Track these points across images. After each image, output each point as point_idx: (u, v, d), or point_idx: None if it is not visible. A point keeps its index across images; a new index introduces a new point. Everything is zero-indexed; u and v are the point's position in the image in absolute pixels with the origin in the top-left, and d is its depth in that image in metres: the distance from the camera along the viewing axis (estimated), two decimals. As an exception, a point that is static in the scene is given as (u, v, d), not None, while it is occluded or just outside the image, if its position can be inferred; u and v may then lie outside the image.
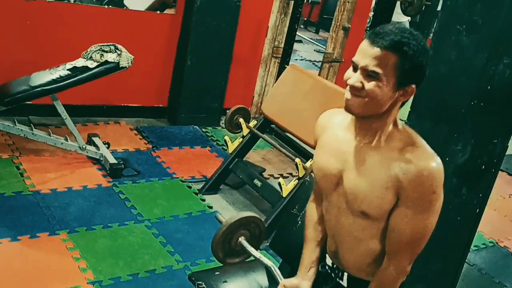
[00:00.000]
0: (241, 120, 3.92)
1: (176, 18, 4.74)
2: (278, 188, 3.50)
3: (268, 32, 4.97)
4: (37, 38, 4.19)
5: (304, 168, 3.43)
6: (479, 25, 2.30)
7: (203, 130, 4.94)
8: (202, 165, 4.28)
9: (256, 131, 3.87)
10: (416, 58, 1.53)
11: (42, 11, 4.15)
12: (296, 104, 3.74)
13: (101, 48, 3.74)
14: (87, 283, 2.81)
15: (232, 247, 1.98)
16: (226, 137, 3.91)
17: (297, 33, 5.07)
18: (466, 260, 3.12)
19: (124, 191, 3.70)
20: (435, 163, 1.58)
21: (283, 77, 4.02)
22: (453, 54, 2.38)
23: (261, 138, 3.92)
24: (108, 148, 4.03)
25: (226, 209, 3.76)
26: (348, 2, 5.15)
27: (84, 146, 3.87)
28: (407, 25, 6.40)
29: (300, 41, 8.21)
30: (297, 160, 3.48)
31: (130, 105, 4.81)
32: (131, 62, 3.81)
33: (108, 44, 3.77)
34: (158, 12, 4.73)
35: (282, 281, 1.91)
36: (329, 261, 1.89)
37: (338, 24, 5.21)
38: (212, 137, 4.84)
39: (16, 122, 3.74)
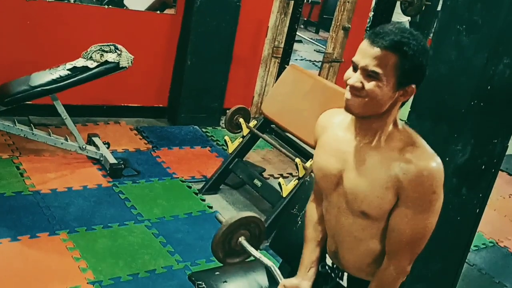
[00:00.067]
0: (241, 120, 3.92)
1: (176, 18, 4.74)
2: (278, 188, 3.50)
3: (268, 32, 4.98)
4: (37, 38, 4.19)
5: (304, 168, 3.43)
6: (479, 25, 2.30)
7: (203, 130, 4.94)
8: (202, 165, 4.28)
9: (256, 131, 3.87)
10: (416, 58, 1.53)
11: (42, 11, 4.15)
12: (296, 104, 3.74)
13: (101, 48, 3.74)
14: (87, 283, 2.81)
15: (232, 247, 1.98)
16: (226, 137, 3.91)
17: (297, 33, 5.07)
18: (466, 260, 3.12)
19: (124, 191, 3.70)
20: (435, 163, 1.58)
21: (283, 77, 4.02)
22: (453, 54, 2.38)
23: (261, 138, 3.92)
24: (108, 148, 4.03)
25: (226, 209, 3.76)
26: (348, 2, 5.15)
27: (84, 146, 3.87)
28: (407, 25, 6.40)
29: (300, 41, 8.21)
30: (297, 160, 3.48)
31: (130, 105, 4.81)
32: (131, 62, 3.81)
33: (108, 44, 3.77)
34: (158, 12, 4.73)
35: (282, 281, 1.91)
36: (329, 261, 1.89)
37: (338, 24, 5.21)
38: (212, 137, 4.84)
39: (16, 122, 3.74)
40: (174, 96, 4.92)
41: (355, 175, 1.66)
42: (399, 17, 5.52)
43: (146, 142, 4.46)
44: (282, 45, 4.95)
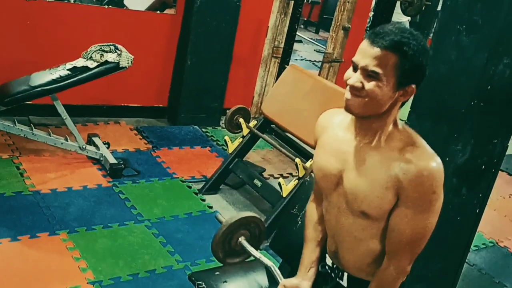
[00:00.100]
0: (241, 120, 3.92)
1: (176, 18, 4.74)
2: (278, 188, 3.50)
3: (268, 32, 4.97)
4: (37, 38, 4.19)
5: (304, 168, 3.43)
6: (479, 25, 2.30)
7: (203, 130, 4.94)
8: (202, 165, 4.28)
9: (256, 131, 3.87)
10: (416, 58, 1.53)
11: (42, 11, 4.15)
12: (296, 104, 3.74)
13: (101, 48, 3.74)
14: (87, 283, 2.81)
15: (232, 247, 1.98)
16: (226, 137, 3.91)
17: (297, 33, 5.07)
18: (466, 260, 3.12)
19: (124, 191, 3.70)
20: (435, 163, 1.58)
21: (283, 77, 4.02)
22: (453, 54, 2.38)
23: (261, 138, 3.92)
24: (108, 148, 4.03)
25: (226, 209, 3.76)
26: (348, 2, 5.15)
27: (84, 146, 3.87)
28: (407, 25, 6.40)
29: (300, 41, 8.21)
30: (297, 160, 3.48)
31: (130, 105, 4.81)
32: (131, 62, 3.81)
33: (108, 44, 3.77)
34: (158, 12, 4.73)
35: (282, 281, 1.91)
36: (329, 261, 1.89)
37: (338, 24, 5.21)
38: (212, 137, 4.84)
39: (16, 122, 3.74)
40: (174, 96, 4.91)
41: (355, 175, 1.66)
42: (399, 17, 5.51)
43: (146, 142, 4.46)
44: (282, 45, 4.95)
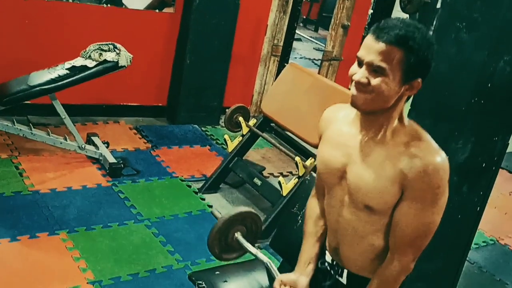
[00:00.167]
0: (240, 118, 3.92)
1: (175, 16, 4.73)
2: (278, 187, 3.49)
3: (267, 31, 4.97)
4: (36, 37, 4.18)
5: (304, 166, 3.43)
6: (479, 23, 2.29)
7: (203, 129, 4.93)
8: (202, 164, 4.27)
9: (255, 129, 3.87)
10: (421, 52, 1.52)
11: (40, 10, 4.14)
12: (295, 102, 3.73)
13: (100, 47, 3.73)
14: (87, 283, 2.80)
15: (228, 243, 1.96)
16: (226, 136, 3.90)
17: (296, 31, 5.07)
18: (467, 258, 3.12)
19: (124, 191, 3.69)
20: (440, 158, 1.58)
21: (283, 76, 4.01)
22: (453, 52, 2.37)
23: (260, 137, 3.92)
24: (107, 147, 4.02)
25: (226, 208, 3.75)
26: (347, 0, 5.14)
27: (83, 146, 3.86)
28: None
29: (299, 39, 8.18)
30: (297, 158, 3.47)
31: (129, 104, 4.80)
32: (130, 61, 3.80)
33: (107, 43, 3.76)
34: (157, 10, 4.72)
35: (279, 276, 1.90)
36: (328, 258, 1.89)
37: (337, 22, 5.20)
38: (212, 136, 4.84)
39: (15, 122, 3.73)
40: (173, 95, 4.91)
41: (359, 169, 1.65)
42: (398, 14, 5.51)
43: (146, 141, 4.45)
44: (281, 44, 4.94)
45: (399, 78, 1.54)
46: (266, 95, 4.23)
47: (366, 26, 5.00)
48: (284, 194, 3.45)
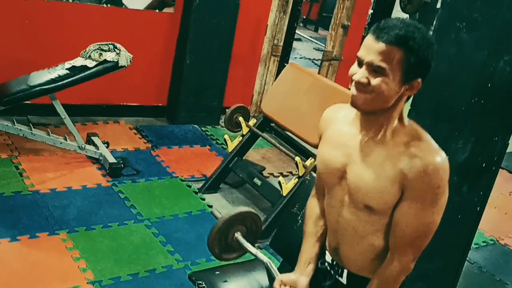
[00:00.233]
0: (240, 118, 3.92)
1: (175, 16, 4.73)
2: (278, 187, 3.49)
3: (267, 31, 4.97)
4: (36, 37, 4.18)
5: (304, 166, 3.43)
6: (479, 23, 2.29)
7: (203, 129, 4.93)
8: (202, 164, 4.27)
9: (255, 129, 3.87)
10: (421, 52, 1.52)
11: (40, 10, 4.14)
12: (295, 102, 3.73)
13: (100, 47, 3.73)
14: (87, 283, 2.80)
15: (228, 243, 1.96)
16: (226, 136, 3.90)
17: (296, 31, 5.06)
18: (467, 258, 3.12)
19: (124, 191, 3.69)
20: (440, 158, 1.58)
21: (283, 76, 4.01)
22: (453, 52, 2.37)
23: (260, 137, 3.92)
24: (107, 147, 4.02)
25: (226, 208, 3.75)
26: (347, 0, 5.14)
27: (83, 146, 3.86)
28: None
29: (299, 39, 8.18)
30: (297, 158, 3.47)
31: (129, 104, 4.80)
32: (130, 61, 3.80)
33: (107, 43, 3.76)
34: (157, 10, 4.72)
35: (279, 276, 1.90)
36: (328, 258, 1.89)
37: (337, 22, 5.20)
38: (212, 136, 4.84)
39: (15, 122, 3.73)
40: (173, 95, 4.91)
41: (359, 168, 1.65)
42: (398, 14, 5.51)
43: (146, 141, 4.45)
44: (281, 44, 4.94)
45: (399, 78, 1.54)
46: (266, 95, 4.23)
47: (366, 26, 5.00)
48: (284, 194, 3.45)
